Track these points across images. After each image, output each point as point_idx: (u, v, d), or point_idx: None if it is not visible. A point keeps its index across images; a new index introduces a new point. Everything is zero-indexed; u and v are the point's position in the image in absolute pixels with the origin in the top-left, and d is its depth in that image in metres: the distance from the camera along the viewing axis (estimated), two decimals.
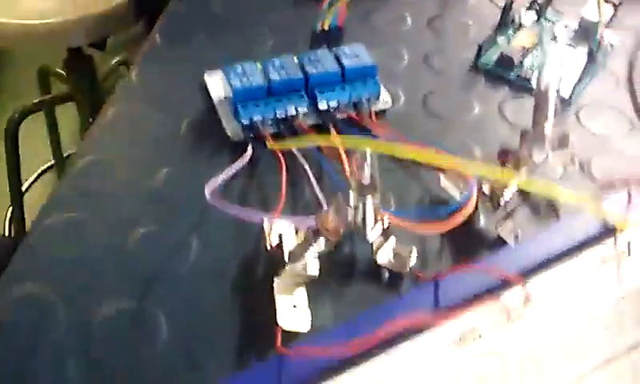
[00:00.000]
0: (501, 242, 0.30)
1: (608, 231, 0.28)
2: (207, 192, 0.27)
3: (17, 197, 0.95)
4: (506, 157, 0.32)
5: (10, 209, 1.02)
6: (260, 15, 0.45)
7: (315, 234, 0.26)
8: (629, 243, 0.27)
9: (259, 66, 0.36)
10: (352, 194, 0.26)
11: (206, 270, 0.29)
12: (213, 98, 0.37)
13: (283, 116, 0.35)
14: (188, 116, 0.37)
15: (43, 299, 0.27)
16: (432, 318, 0.24)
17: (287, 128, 0.35)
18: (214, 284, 0.28)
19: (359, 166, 0.26)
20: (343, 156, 0.31)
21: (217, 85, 0.38)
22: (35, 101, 0.98)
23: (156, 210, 0.32)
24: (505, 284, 0.26)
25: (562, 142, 0.33)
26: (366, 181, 0.26)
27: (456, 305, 0.24)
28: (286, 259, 0.27)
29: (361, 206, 0.27)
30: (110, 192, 0.32)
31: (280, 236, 0.28)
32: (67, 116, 1.05)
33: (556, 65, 0.32)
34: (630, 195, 0.30)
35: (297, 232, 0.28)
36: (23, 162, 0.94)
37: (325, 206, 0.29)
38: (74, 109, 0.94)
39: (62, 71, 0.94)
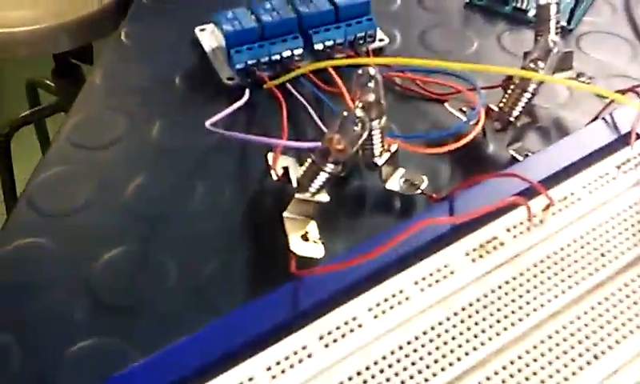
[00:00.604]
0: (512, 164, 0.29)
1: (620, 139, 0.28)
2: (208, 124, 0.26)
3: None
4: (510, 82, 0.31)
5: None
6: None
7: (322, 157, 0.25)
8: None
9: (250, 12, 0.35)
10: (358, 115, 0.25)
11: (212, 210, 0.28)
12: (205, 48, 0.36)
13: (278, 58, 0.34)
14: (181, 69, 0.36)
15: (45, 247, 0.26)
16: (450, 219, 0.23)
17: (283, 70, 0.34)
18: (221, 223, 0.27)
19: (362, 85, 0.25)
20: (339, 81, 0.30)
21: (208, 38, 0.37)
22: (25, 113, 0.97)
23: (155, 159, 0.31)
24: (525, 192, 0.25)
25: (566, 64, 0.32)
26: (372, 98, 0.25)
27: (476, 216, 0.23)
28: (294, 186, 0.26)
29: (368, 128, 0.26)
30: (105, 144, 0.31)
31: (285, 168, 0.27)
32: (58, 127, 1.04)
33: None
34: None
35: (301, 163, 0.27)
36: (16, 177, 0.92)
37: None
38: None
39: (50, 82, 0.93)
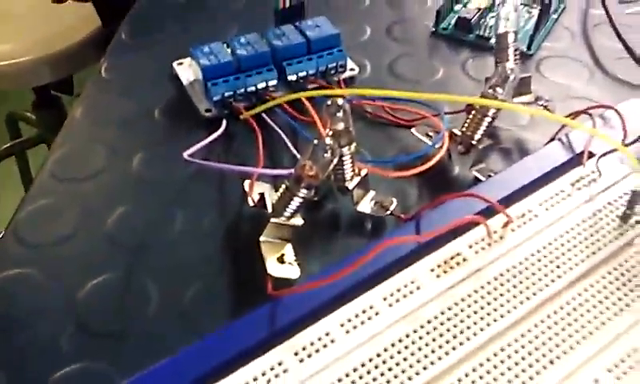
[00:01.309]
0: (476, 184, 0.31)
1: (574, 159, 0.29)
2: (186, 154, 0.28)
3: None
4: (472, 108, 0.33)
5: None
6: (221, 3, 0.46)
7: (295, 183, 0.26)
8: (597, 164, 0.29)
9: (226, 46, 0.36)
10: (327, 143, 0.27)
11: (192, 236, 0.29)
12: (183, 81, 0.38)
13: (253, 90, 0.35)
14: (160, 102, 0.37)
15: (31, 278, 0.27)
16: (411, 237, 0.25)
17: (258, 101, 0.35)
18: (200, 248, 0.29)
19: (332, 115, 0.27)
20: (311, 110, 0.31)
21: (186, 71, 0.38)
22: (6, 146, 0.97)
23: (136, 189, 0.32)
24: (485, 211, 0.26)
25: (524, 88, 0.34)
26: (341, 127, 0.27)
27: (440, 234, 0.25)
28: (269, 211, 0.27)
29: (338, 155, 0.28)
30: (87, 176, 0.33)
31: (261, 194, 0.28)
32: (39, 159, 1.04)
33: (511, 9, 0.33)
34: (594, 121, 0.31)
35: (276, 189, 0.28)
36: None
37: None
38: (46, 151, 0.93)
39: (30, 114, 0.94)
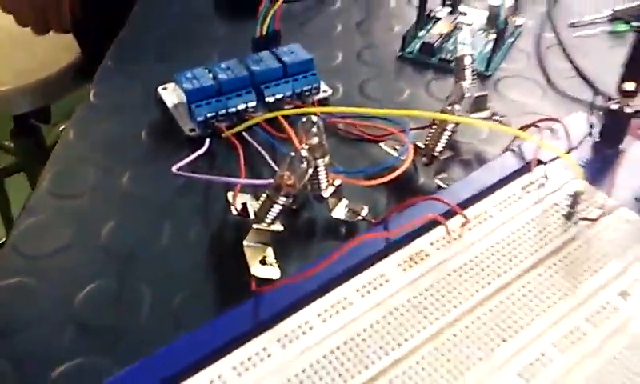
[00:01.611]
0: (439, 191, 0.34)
1: (524, 167, 0.33)
2: (174, 168, 0.30)
3: None
4: (434, 123, 0.37)
5: None
6: (202, 33, 0.49)
7: (275, 191, 0.29)
8: (545, 171, 0.32)
9: (208, 71, 0.39)
10: (303, 155, 0.29)
11: (180, 245, 0.32)
12: (168, 105, 0.40)
13: (234, 111, 0.38)
14: (146, 124, 0.40)
15: (29, 286, 0.30)
16: (380, 234, 0.28)
17: (239, 121, 0.38)
18: (188, 255, 0.31)
19: (307, 131, 0.30)
20: (287, 127, 0.34)
21: (170, 95, 0.41)
22: None
23: (125, 205, 0.34)
24: (446, 214, 0.29)
25: (480, 105, 0.37)
26: (315, 141, 0.30)
27: (407, 231, 0.28)
28: (252, 218, 0.30)
29: (313, 166, 0.30)
30: (79, 194, 0.35)
31: (244, 204, 0.31)
32: (17, 188, 1.05)
33: (468, 34, 0.37)
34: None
35: (257, 198, 0.31)
36: None
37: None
38: (25, 179, 0.94)
39: (8, 143, 0.95)
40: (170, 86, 0.42)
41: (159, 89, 0.42)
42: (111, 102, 0.42)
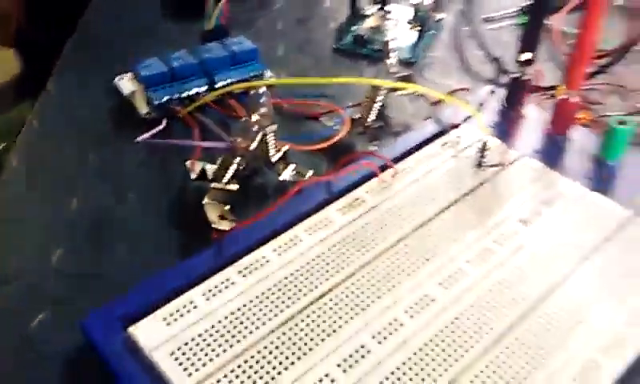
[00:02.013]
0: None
1: (444, 129, 0.38)
2: (138, 139, 0.34)
3: None
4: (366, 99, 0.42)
5: None
6: (151, 31, 0.53)
7: (231, 154, 0.33)
8: (459, 131, 0.38)
9: (162, 61, 0.43)
10: (254, 119, 0.34)
11: (145, 209, 0.36)
12: (124, 92, 0.44)
13: (187, 95, 0.42)
14: (106, 111, 0.43)
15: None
16: (326, 176, 0.33)
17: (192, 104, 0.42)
18: (155, 217, 0.35)
19: (255, 101, 0.34)
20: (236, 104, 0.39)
21: (126, 85, 0.45)
22: None
23: (91, 181, 0.38)
24: (381, 168, 0.34)
25: (407, 82, 0.43)
26: (264, 110, 0.34)
27: (345, 185, 0.33)
28: (210, 178, 0.34)
29: (260, 136, 0.35)
30: (49, 169, 0.38)
31: (202, 168, 0.35)
32: None
33: (392, 26, 0.42)
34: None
35: (213, 163, 0.35)
36: None
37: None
38: None
39: None
40: (126, 76, 0.45)
41: (116, 80, 0.45)
42: (71, 94, 0.46)
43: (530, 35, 0.37)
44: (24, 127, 0.42)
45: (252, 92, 0.35)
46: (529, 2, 0.57)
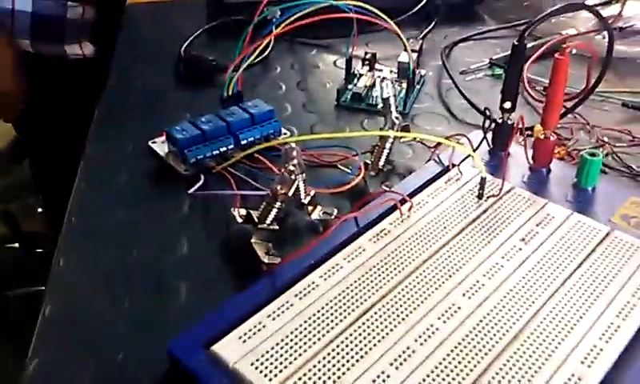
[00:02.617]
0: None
1: (444, 169, 0.45)
2: (190, 191, 0.40)
3: None
4: (375, 145, 0.48)
5: None
6: (170, 100, 0.59)
7: (272, 199, 0.39)
8: (459, 169, 0.44)
9: (192, 124, 0.49)
10: (291, 169, 0.40)
11: (198, 253, 0.41)
12: (161, 154, 0.50)
13: (217, 153, 0.48)
14: (144, 171, 0.49)
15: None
16: (358, 212, 0.39)
17: (222, 161, 0.48)
18: (210, 256, 0.40)
19: (288, 155, 0.41)
20: (263, 159, 0.45)
21: (160, 147, 0.51)
22: None
23: (144, 232, 0.43)
24: (399, 202, 0.41)
25: (405, 131, 0.50)
26: (295, 162, 0.40)
27: (372, 219, 0.39)
28: (256, 221, 0.39)
29: (295, 183, 0.41)
30: (104, 234, 0.43)
31: (248, 212, 0.41)
32: None
33: (389, 84, 0.49)
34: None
35: (253, 210, 0.41)
36: None
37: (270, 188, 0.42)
38: None
39: None
40: (159, 139, 0.51)
41: (150, 143, 0.51)
42: (109, 158, 0.51)
43: (509, 86, 0.45)
44: (73, 192, 0.47)
45: (286, 147, 0.41)
46: (497, 56, 0.67)
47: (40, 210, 1.46)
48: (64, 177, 0.52)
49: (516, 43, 0.42)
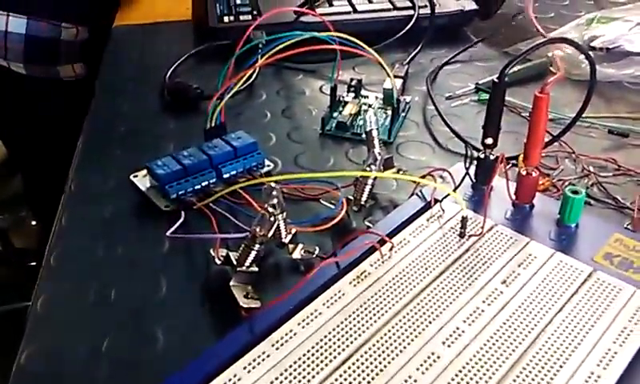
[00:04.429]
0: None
1: (426, 205, 0.45)
2: (168, 233, 0.39)
3: None
4: (357, 181, 0.48)
5: None
6: (154, 130, 0.59)
7: (252, 241, 0.39)
8: (441, 206, 0.44)
9: (172, 158, 0.49)
10: (270, 211, 0.39)
11: (178, 293, 0.40)
12: (142, 189, 0.49)
13: (199, 187, 0.48)
14: (125, 206, 0.48)
15: None
16: (337, 258, 0.38)
17: (204, 196, 0.48)
18: (189, 299, 0.40)
19: (268, 194, 0.40)
20: (246, 195, 0.45)
21: (141, 181, 0.50)
22: None
23: (123, 271, 0.42)
24: (379, 242, 0.40)
25: (388, 164, 0.49)
26: (275, 201, 0.40)
27: (352, 260, 0.39)
28: (235, 263, 0.39)
29: (275, 224, 0.40)
30: (83, 271, 0.43)
31: (227, 254, 0.40)
32: None
33: (372, 114, 0.49)
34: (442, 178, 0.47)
35: (232, 250, 0.40)
36: None
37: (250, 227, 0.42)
38: None
39: None
40: (140, 173, 0.51)
41: (131, 177, 0.50)
42: (90, 191, 0.50)
43: (491, 122, 0.44)
44: (55, 227, 0.46)
45: (265, 186, 0.40)
46: (483, 80, 0.66)
47: (34, 222, 1.46)
48: (56, 192, 0.52)
49: (496, 81, 0.42)
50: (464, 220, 0.41)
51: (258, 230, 0.39)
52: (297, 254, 0.42)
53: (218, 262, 0.40)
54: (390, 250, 0.40)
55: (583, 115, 0.49)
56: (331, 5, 0.78)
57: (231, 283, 0.39)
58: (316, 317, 0.36)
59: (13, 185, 1.31)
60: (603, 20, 0.78)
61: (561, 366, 0.33)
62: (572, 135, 0.54)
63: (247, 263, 0.39)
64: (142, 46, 0.78)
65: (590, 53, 0.49)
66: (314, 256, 0.42)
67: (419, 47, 0.71)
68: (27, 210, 1.44)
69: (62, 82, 0.92)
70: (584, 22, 0.77)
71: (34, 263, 1.35)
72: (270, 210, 0.39)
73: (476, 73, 0.70)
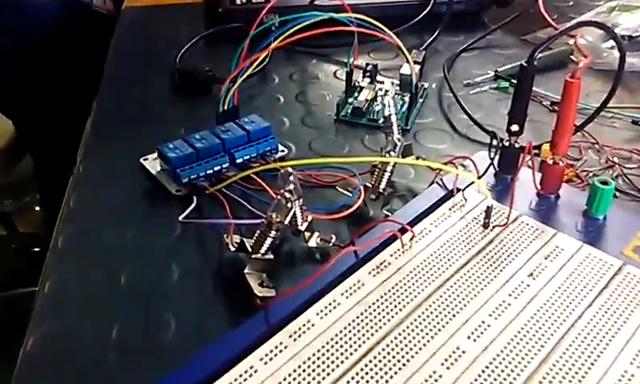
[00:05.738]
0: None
1: (448, 194, 0.43)
2: (181, 217, 0.38)
3: None
4: (375, 168, 0.46)
5: None
6: (165, 113, 0.57)
7: (267, 228, 0.37)
8: (464, 195, 0.42)
9: (185, 141, 0.47)
10: (287, 197, 0.38)
11: (189, 281, 0.39)
12: (152, 172, 0.48)
13: (211, 172, 0.46)
14: (135, 190, 0.47)
15: None
16: (356, 247, 0.37)
17: (217, 180, 0.46)
18: (202, 286, 0.38)
19: (285, 179, 0.38)
20: (260, 181, 0.43)
21: (151, 164, 0.48)
22: None
23: (134, 256, 0.41)
24: (399, 231, 0.39)
25: (407, 151, 0.48)
26: (292, 187, 0.38)
27: (372, 249, 0.37)
28: (250, 251, 0.37)
29: (291, 210, 0.39)
30: (92, 255, 0.41)
31: (241, 240, 0.39)
32: None
33: (391, 99, 0.47)
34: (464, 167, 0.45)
35: (246, 237, 0.39)
36: None
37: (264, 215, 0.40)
38: None
39: None
40: (151, 156, 0.49)
41: (141, 160, 0.49)
42: (100, 175, 0.49)
43: (517, 109, 0.42)
44: (62, 210, 0.45)
45: (282, 171, 0.39)
46: (502, 68, 0.64)
47: (37, 208, 1.45)
48: (66, 171, 0.51)
49: (525, 64, 0.40)
50: (489, 210, 0.40)
51: (274, 216, 0.37)
52: (313, 242, 0.40)
53: (232, 249, 0.39)
54: (411, 239, 0.38)
55: (606, 105, 0.47)
56: None
57: (245, 271, 0.37)
58: (335, 307, 0.34)
59: (18, 170, 1.31)
60: (624, 8, 0.76)
61: (592, 364, 0.31)
62: (595, 125, 0.52)
63: (262, 250, 0.38)
64: (152, 28, 0.76)
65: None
66: (330, 245, 0.40)
67: (436, 33, 0.69)
68: (32, 196, 1.43)
69: (87, 15, 0.93)
70: (605, 9, 0.75)
71: (37, 248, 1.34)
72: (287, 195, 0.37)
73: (493, 60, 0.67)
